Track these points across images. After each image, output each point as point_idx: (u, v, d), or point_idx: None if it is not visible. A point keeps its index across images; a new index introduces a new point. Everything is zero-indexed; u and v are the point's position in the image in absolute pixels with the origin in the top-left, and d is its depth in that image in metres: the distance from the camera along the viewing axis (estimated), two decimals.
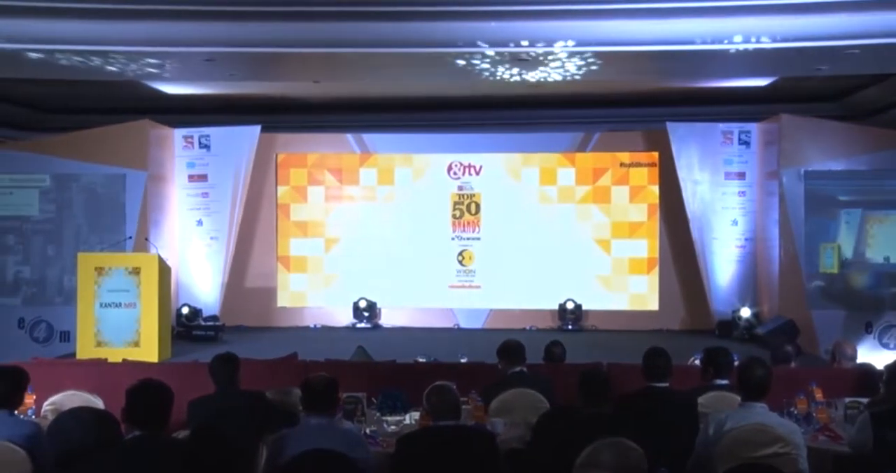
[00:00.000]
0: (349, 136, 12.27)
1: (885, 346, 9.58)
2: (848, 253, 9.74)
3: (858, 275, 9.81)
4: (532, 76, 7.80)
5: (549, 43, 6.67)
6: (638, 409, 4.71)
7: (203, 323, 10.96)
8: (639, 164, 11.99)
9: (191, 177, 11.61)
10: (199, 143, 11.60)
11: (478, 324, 11.82)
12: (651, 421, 4.49)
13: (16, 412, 4.51)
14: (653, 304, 11.87)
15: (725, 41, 6.49)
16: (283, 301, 12.20)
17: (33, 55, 7.03)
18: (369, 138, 12.26)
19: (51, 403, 5.44)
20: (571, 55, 7.00)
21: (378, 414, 5.30)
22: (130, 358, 8.19)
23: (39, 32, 6.51)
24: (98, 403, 5.29)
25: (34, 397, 5.31)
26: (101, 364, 7.67)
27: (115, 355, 8.29)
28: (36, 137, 11.32)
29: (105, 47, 6.89)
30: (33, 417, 5.04)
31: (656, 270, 11.90)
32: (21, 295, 10.61)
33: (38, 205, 10.62)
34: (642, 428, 4.19)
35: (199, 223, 11.59)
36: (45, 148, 10.79)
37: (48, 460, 4.22)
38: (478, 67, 7.38)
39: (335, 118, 12.21)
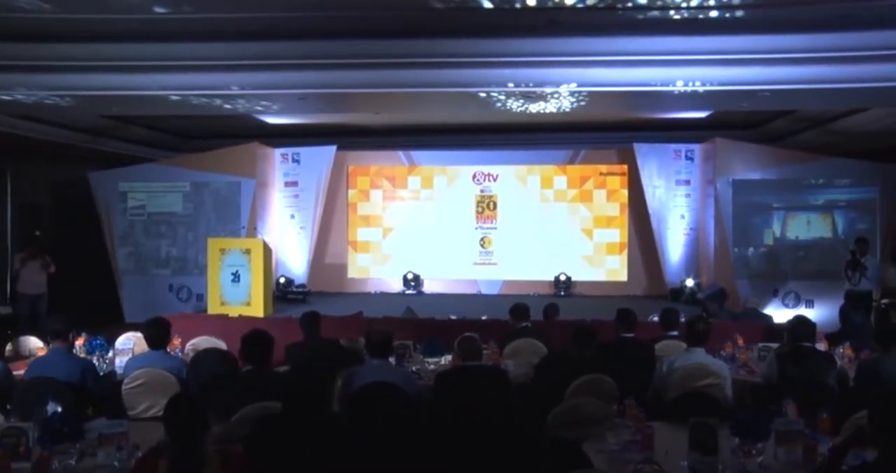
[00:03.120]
0: (400, 153, 12.26)
1: (787, 305, 9.71)
2: (777, 234, 10.05)
3: (775, 251, 10.05)
4: (535, 108, 7.74)
5: (551, 85, 6.63)
6: (612, 353, 4.72)
7: (295, 289, 11.02)
8: (613, 174, 11.86)
9: (286, 184, 11.64)
10: (292, 159, 11.63)
11: (494, 291, 11.76)
12: (622, 362, 4.50)
13: (168, 350, 4.64)
14: (623, 276, 11.75)
15: (677, 84, 6.46)
16: (352, 273, 12.24)
17: (174, 98, 7.11)
18: (415, 154, 12.22)
19: (191, 344, 5.58)
20: (569, 93, 6.95)
21: (421, 357, 5.36)
22: (244, 313, 8.35)
23: (182, 82, 6.59)
24: (222, 345, 5.40)
25: (180, 340, 5.44)
26: (224, 317, 7.83)
27: (233, 311, 8.45)
28: (179, 156, 11.43)
29: (226, 91, 6.96)
30: (179, 354, 5.17)
31: (626, 252, 11.78)
32: (170, 267, 10.75)
33: (182, 204, 10.74)
34: (615, 367, 4.20)
35: (292, 217, 11.63)
36: (186, 163, 10.92)
37: (191, 384, 4.34)
38: (496, 101, 7.33)
39: (390, 139, 12.17)
